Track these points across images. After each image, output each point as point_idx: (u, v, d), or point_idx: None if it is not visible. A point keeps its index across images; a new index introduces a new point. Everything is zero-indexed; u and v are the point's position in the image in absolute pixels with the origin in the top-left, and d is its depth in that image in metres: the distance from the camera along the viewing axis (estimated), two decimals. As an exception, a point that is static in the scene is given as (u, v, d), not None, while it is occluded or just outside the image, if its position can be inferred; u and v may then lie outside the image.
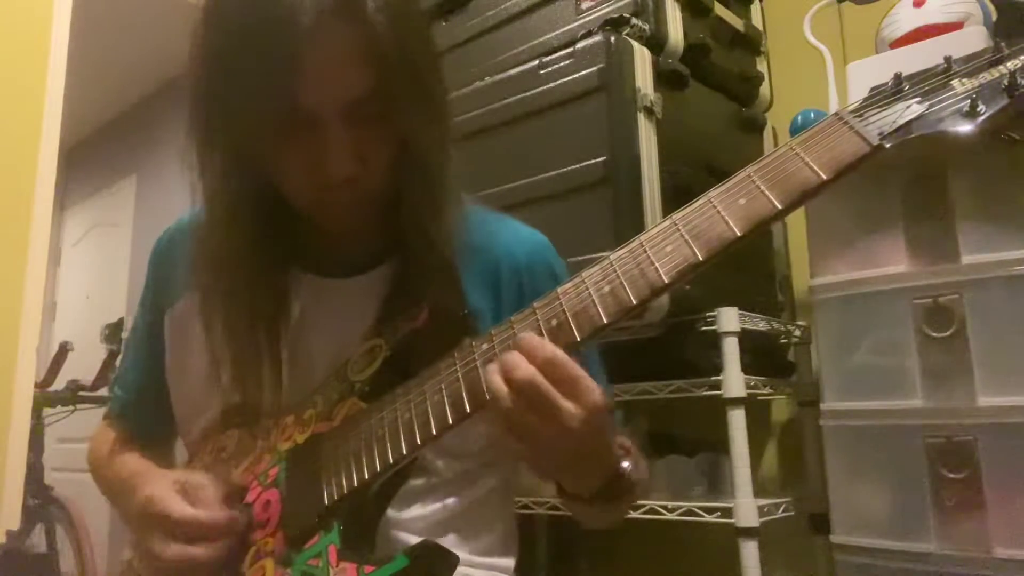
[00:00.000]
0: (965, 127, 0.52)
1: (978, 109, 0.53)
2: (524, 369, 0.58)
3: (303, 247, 0.83)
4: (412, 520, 0.76)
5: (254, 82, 0.66)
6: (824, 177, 0.56)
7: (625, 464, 0.69)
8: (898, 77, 0.57)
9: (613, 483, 0.67)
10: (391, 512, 0.74)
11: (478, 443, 0.79)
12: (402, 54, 0.69)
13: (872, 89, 0.59)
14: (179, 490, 0.71)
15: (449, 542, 0.77)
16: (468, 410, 0.64)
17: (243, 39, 0.67)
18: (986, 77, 0.53)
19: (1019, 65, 0.52)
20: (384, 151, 0.73)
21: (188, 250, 0.81)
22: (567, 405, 0.58)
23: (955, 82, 0.55)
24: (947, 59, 0.57)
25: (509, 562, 0.84)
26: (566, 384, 0.59)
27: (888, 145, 0.55)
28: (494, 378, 0.59)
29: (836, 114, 0.59)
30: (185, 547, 0.68)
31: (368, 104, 0.69)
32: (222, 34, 0.69)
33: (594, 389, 0.59)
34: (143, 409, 0.93)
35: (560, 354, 0.59)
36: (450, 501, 0.78)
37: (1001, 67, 0.53)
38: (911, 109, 0.55)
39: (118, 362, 2.91)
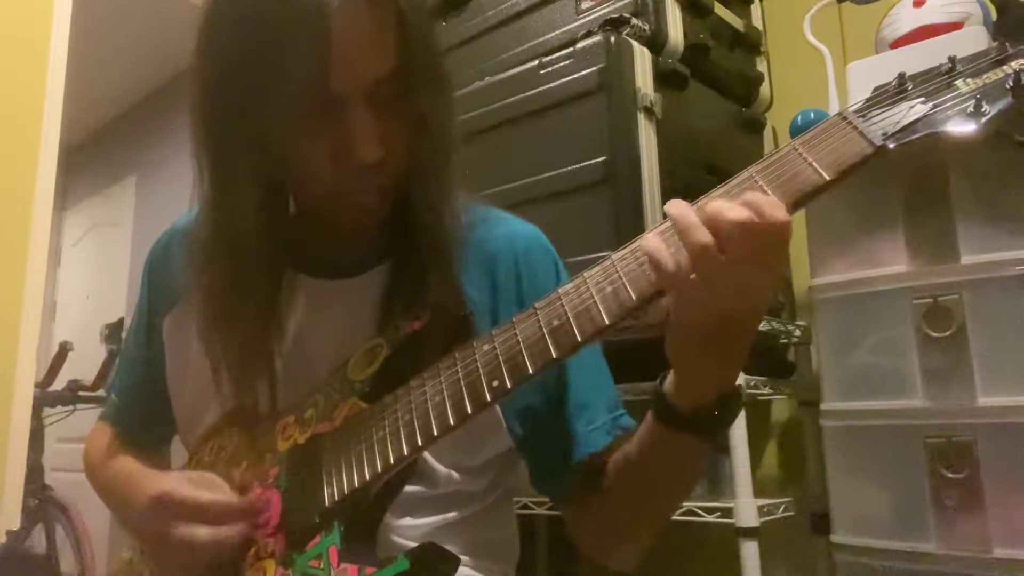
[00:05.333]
0: (969, 127, 0.52)
1: (983, 109, 0.52)
2: (739, 211, 0.53)
3: (300, 249, 0.82)
4: (411, 527, 0.76)
5: (281, 69, 0.65)
6: (827, 178, 0.55)
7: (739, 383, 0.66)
8: (902, 77, 0.57)
9: (729, 396, 0.65)
10: (390, 520, 0.73)
11: (482, 456, 0.78)
12: (422, 32, 0.70)
13: (876, 89, 0.58)
14: (193, 481, 0.72)
15: (449, 548, 0.76)
16: (469, 411, 0.63)
17: (267, 24, 0.65)
18: (991, 77, 0.53)
19: (1024, 65, 0.52)
20: (403, 133, 0.73)
21: (186, 253, 0.80)
22: (763, 274, 0.56)
23: (959, 82, 0.54)
24: (951, 59, 0.56)
25: (509, 568, 0.84)
26: (779, 251, 0.55)
27: (892, 145, 0.55)
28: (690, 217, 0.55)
29: (840, 114, 0.58)
30: (217, 528, 0.68)
31: (389, 85, 0.69)
32: (242, 21, 0.67)
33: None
34: (138, 415, 0.93)
35: (789, 220, 0.55)
36: (451, 515, 0.78)
37: (1006, 67, 0.53)
38: (915, 109, 0.55)
39: (114, 367, 2.91)
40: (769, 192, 0.56)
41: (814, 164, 0.56)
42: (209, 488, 0.71)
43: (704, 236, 0.54)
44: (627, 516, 0.77)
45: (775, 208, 0.54)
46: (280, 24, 0.64)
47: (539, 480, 0.83)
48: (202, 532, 0.68)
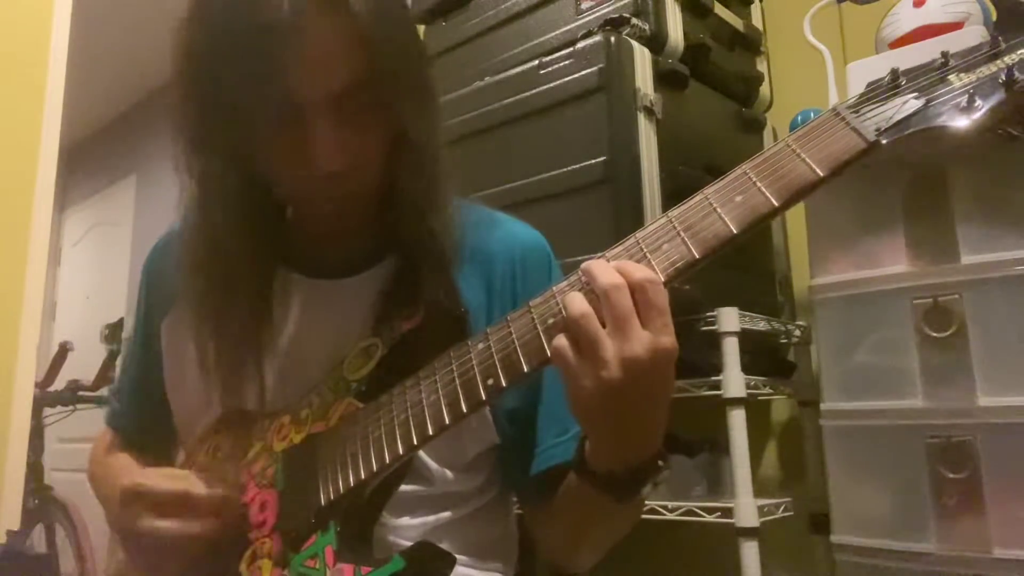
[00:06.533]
0: (963, 122, 0.52)
1: (976, 104, 0.52)
2: (610, 275, 0.56)
3: (295, 249, 0.82)
4: (407, 527, 0.76)
5: (241, 80, 0.66)
6: (821, 174, 0.56)
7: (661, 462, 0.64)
8: (895, 72, 0.57)
9: (644, 469, 0.63)
10: (386, 518, 0.73)
11: (469, 453, 0.78)
12: (390, 42, 0.69)
13: (869, 84, 0.58)
14: (167, 475, 0.72)
15: (445, 547, 0.76)
16: (465, 410, 0.63)
17: (227, 37, 0.66)
18: (984, 71, 0.53)
19: (1017, 59, 0.52)
20: (376, 144, 0.73)
21: (177, 256, 0.80)
22: (641, 331, 0.55)
23: (952, 77, 0.54)
24: (944, 54, 0.56)
25: (508, 567, 0.84)
26: (652, 312, 0.56)
27: (885, 141, 0.55)
28: (571, 294, 0.59)
29: (833, 110, 0.58)
30: (177, 521, 0.68)
31: (358, 95, 0.69)
32: (206, 34, 0.69)
33: (672, 332, 0.57)
34: (139, 418, 0.94)
35: (656, 278, 0.57)
36: (447, 514, 0.78)
37: (999, 61, 0.53)
38: (908, 104, 0.55)
39: (118, 366, 2.93)
40: (763, 190, 0.56)
41: (808, 160, 0.56)
42: (184, 483, 0.71)
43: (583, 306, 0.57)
44: (568, 536, 0.78)
45: (639, 271, 0.56)
46: (241, 36, 0.66)
47: (506, 479, 0.84)
48: (165, 524, 0.68)
